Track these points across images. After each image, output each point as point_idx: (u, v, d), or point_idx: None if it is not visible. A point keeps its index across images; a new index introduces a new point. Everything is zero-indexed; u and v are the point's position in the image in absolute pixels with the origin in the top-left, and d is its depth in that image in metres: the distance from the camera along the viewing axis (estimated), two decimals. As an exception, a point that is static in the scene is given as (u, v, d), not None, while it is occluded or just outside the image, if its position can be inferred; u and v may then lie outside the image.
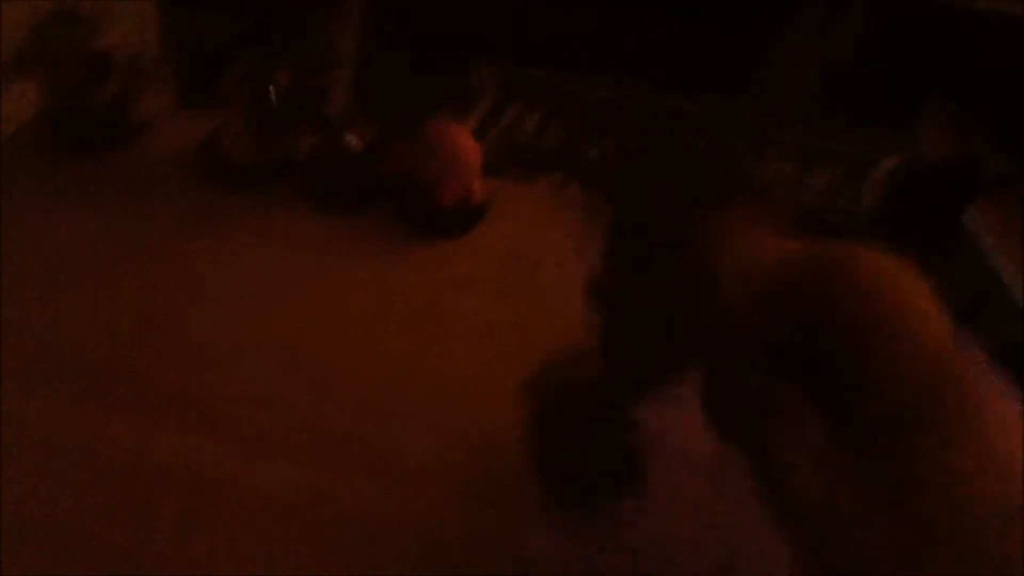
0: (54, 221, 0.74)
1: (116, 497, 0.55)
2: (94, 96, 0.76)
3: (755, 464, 0.42)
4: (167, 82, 0.80)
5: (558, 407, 0.51)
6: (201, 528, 0.53)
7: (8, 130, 0.80)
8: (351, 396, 0.61)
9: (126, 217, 0.75)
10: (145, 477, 0.56)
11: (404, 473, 0.57)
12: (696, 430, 0.44)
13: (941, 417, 0.34)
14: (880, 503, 0.35)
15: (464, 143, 0.74)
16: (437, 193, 0.73)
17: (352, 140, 0.76)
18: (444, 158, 0.73)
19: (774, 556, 0.40)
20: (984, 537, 0.33)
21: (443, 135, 0.74)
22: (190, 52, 0.82)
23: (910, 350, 0.36)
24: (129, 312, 0.67)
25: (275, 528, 0.54)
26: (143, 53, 0.77)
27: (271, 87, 0.75)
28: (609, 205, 0.51)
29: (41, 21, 0.73)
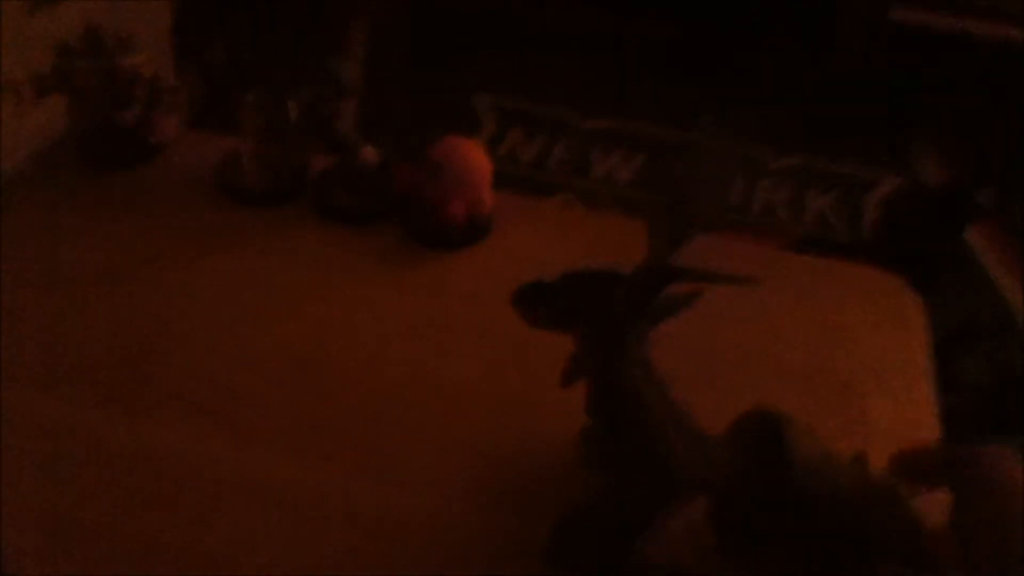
0: (76, 235, 0.76)
1: (124, 495, 0.57)
2: (120, 117, 0.78)
3: None
4: (183, 105, 0.83)
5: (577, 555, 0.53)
6: (216, 526, 0.56)
7: (35, 148, 0.83)
8: (358, 401, 0.64)
9: (145, 232, 0.77)
10: (157, 476, 0.58)
11: (410, 473, 0.60)
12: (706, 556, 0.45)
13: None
14: None
15: (474, 158, 0.76)
16: (448, 209, 0.75)
17: (367, 156, 0.78)
18: (454, 175, 0.75)
19: None
20: None
21: (452, 153, 0.76)
22: (204, 78, 0.85)
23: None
24: (143, 321, 0.69)
25: (287, 522, 0.56)
26: (162, 77, 0.80)
27: (285, 113, 0.78)
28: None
29: (68, 43, 0.75)
